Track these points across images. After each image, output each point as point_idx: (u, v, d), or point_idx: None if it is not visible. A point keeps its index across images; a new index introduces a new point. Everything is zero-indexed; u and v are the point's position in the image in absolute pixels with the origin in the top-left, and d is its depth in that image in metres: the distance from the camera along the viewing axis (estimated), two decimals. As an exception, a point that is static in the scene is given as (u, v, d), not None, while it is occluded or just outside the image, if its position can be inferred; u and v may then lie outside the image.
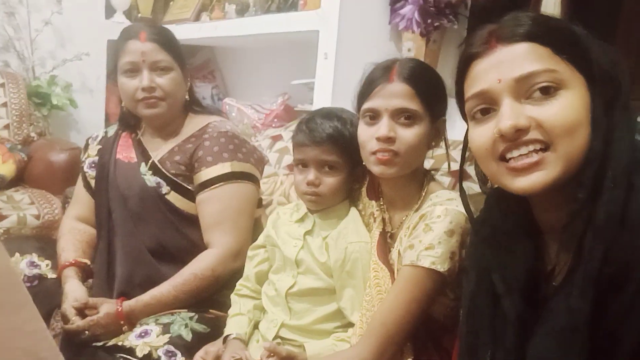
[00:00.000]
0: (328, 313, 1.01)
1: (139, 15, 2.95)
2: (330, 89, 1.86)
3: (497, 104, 0.64)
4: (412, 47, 1.88)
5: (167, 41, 1.26)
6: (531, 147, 0.62)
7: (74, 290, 1.18)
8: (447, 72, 2.03)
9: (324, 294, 1.01)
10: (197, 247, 1.24)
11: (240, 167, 1.25)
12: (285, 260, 1.05)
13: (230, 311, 1.11)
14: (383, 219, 1.00)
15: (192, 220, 1.25)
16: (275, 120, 2.39)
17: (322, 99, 1.90)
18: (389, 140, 0.90)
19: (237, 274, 1.18)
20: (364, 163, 0.97)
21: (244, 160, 1.26)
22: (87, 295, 1.17)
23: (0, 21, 2.49)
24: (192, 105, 1.35)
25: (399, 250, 0.93)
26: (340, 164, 1.02)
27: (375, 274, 0.94)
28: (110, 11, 2.83)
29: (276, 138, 1.83)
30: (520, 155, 0.63)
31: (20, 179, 2.23)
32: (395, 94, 0.90)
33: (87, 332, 1.09)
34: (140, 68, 1.22)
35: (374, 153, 0.92)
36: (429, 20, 1.75)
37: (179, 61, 1.27)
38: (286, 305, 1.03)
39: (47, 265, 1.28)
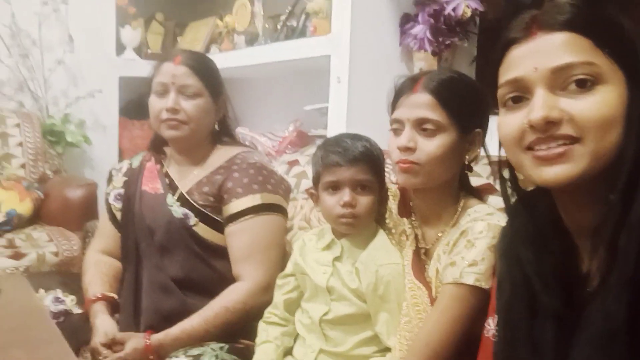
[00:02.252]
0: (365, 338, 0.98)
1: (149, 51, 3.00)
2: (344, 112, 1.86)
3: (531, 93, 0.62)
4: (424, 66, 1.89)
5: (201, 68, 1.27)
6: (561, 142, 0.60)
7: (104, 325, 1.16)
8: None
9: (359, 319, 0.98)
10: (225, 278, 1.22)
11: (270, 199, 1.24)
12: (317, 288, 1.02)
13: (258, 339, 1.08)
14: (416, 236, 0.98)
15: (220, 252, 1.23)
16: (289, 146, 2.39)
17: (336, 123, 1.90)
18: (409, 150, 0.89)
19: (268, 305, 1.16)
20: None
21: (273, 191, 1.25)
22: (117, 330, 1.15)
23: (15, 63, 2.53)
24: (222, 136, 1.35)
25: (436, 268, 0.91)
26: (374, 184, 1.00)
27: (413, 294, 0.92)
28: (121, 48, 2.88)
29: (293, 163, 1.82)
30: (550, 147, 0.60)
31: (37, 217, 2.23)
32: (418, 104, 0.89)
33: None
34: (169, 90, 1.23)
35: (397, 163, 0.91)
36: (441, 39, 1.76)
37: (211, 89, 1.27)
38: (321, 332, 1.00)
39: (72, 300, 1.26)
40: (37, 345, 0.86)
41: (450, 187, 0.94)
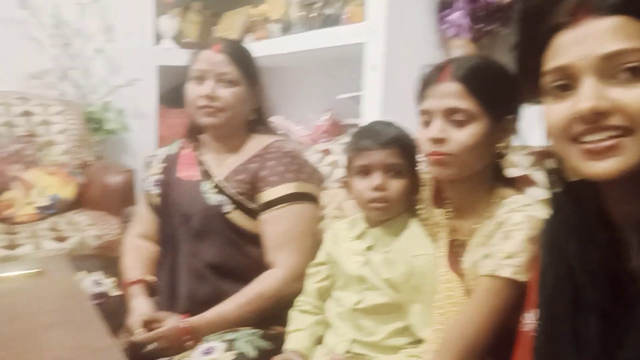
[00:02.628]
0: (398, 328, 0.97)
1: (186, 40, 3.03)
2: (380, 101, 1.84)
3: (578, 81, 0.59)
4: (462, 54, 1.84)
5: (239, 56, 1.28)
6: (611, 133, 0.57)
7: (141, 306, 1.19)
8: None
9: (392, 309, 0.98)
10: (258, 265, 1.23)
11: (304, 188, 1.25)
12: (349, 277, 1.02)
13: (290, 327, 1.09)
14: (451, 227, 0.96)
15: (254, 239, 1.25)
16: (323, 135, 2.39)
17: (371, 111, 1.89)
18: (440, 141, 0.87)
19: (300, 293, 1.16)
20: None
21: (307, 180, 1.26)
22: (153, 310, 1.18)
23: (57, 52, 2.61)
24: (258, 124, 1.36)
25: (472, 260, 0.89)
26: (405, 168, 1.00)
27: (447, 286, 0.90)
28: (158, 37, 2.93)
29: (326, 152, 1.81)
30: (599, 139, 0.58)
31: (79, 202, 2.31)
32: (446, 94, 0.87)
33: (151, 345, 1.09)
34: (207, 77, 1.24)
35: (428, 155, 0.89)
36: (480, 25, 1.71)
37: (248, 78, 1.28)
38: (354, 321, 1.00)
39: (111, 282, 1.30)
40: (78, 327, 0.89)
41: (483, 177, 0.92)
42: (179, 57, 2.90)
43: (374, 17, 1.82)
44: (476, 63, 0.89)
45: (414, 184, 1.02)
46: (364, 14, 1.85)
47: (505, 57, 1.92)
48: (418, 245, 0.98)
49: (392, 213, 1.01)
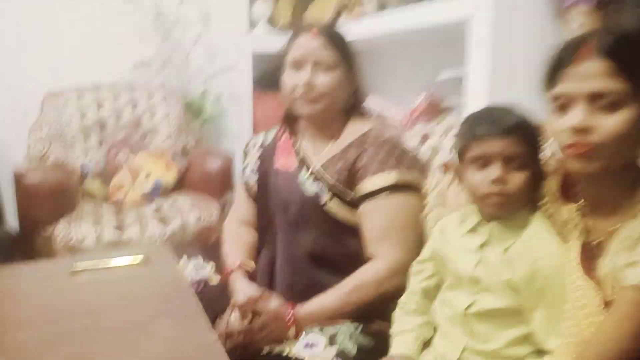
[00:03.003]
0: (518, 336, 0.87)
1: (280, 23, 3.02)
2: (488, 80, 1.69)
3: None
4: (584, 25, 1.64)
5: (337, 39, 1.22)
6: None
7: (245, 288, 1.18)
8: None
9: (510, 314, 0.87)
10: (357, 257, 1.18)
11: (406, 177, 1.17)
12: (460, 276, 0.93)
13: (395, 329, 1.02)
14: (585, 226, 0.84)
15: (353, 230, 1.19)
16: (421, 117, 2.27)
17: (478, 91, 1.74)
18: (585, 131, 0.74)
19: (402, 288, 1.09)
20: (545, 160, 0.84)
21: (409, 168, 1.18)
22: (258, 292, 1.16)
23: (159, 41, 2.70)
24: (355, 110, 1.29)
25: (612, 267, 0.76)
26: (528, 159, 0.88)
27: (580, 294, 0.78)
28: (252, 24, 2.94)
29: (426, 137, 1.71)
30: None
31: (180, 185, 2.40)
32: (590, 74, 0.73)
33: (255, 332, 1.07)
34: (305, 63, 1.19)
35: (568, 147, 0.77)
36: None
37: (346, 61, 1.22)
38: (466, 326, 0.91)
39: (211, 267, 1.31)
40: (182, 319, 0.89)
41: (629, 170, 0.78)
42: (272, 42, 2.93)
43: (481, -11, 1.67)
44: (625, 33, 0.74)
45: (537, 176, 0.90)
46: (469, -15, 1.70)
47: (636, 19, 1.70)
48: (543, 244, 0.86)
49: (512, 209, 0.90)
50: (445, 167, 0.98)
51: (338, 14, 2.59)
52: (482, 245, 0.91)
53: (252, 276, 1.27)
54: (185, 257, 1.29)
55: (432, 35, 2.12)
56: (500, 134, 0.87)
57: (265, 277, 1.25)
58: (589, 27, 1.64)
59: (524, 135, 0.88)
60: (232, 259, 1.28)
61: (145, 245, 1.28)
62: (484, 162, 0.89)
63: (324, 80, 1.18)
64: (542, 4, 1.73)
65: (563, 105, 0.77)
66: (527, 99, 1.80)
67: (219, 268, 1.30)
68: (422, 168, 1.23)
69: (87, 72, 2.57)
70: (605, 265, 0.77)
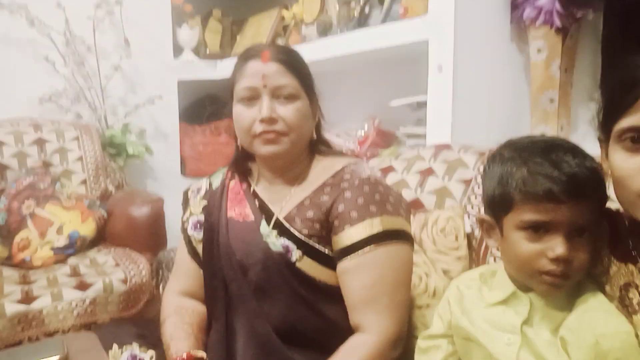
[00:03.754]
0: None
1: (207, 51, 2.79)
2: (449, 106, 1.56)
3: None
4: (544, 46, 1.56)
5: (294, 63, 1.01)
6: None
7: None
8: (585, 72, 1.70)
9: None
10: (338, 328, 0.96)
11: (392, 223, 0.95)
12: None
13: None
14: None
15: (331, 294, 0.97)
16: (371, 147, 2.11)
17: (438, 119, 1.60)
18: None
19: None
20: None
21: (394, 213, 0.97)
22: None
23: (71, 72, 2.37)
24: (319, 144, 1.08)
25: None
26: (596, 227, 0.68)
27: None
28: (178, 50, 2.68)
29: (387, 170, 1.52)
30: None
31: (101, 238, 2.05)
32: None
33: None
34: (260, 94, 0.97)
35: None
36: (571, 10, 1.43)
37: (306, 89, 1.01)
38: None
39: (151, 357, 1.02)
40: None
41: None
42: (200, 70, 2.70)
43: (438, 10, 1.54)
44: None
45: (597, 238, 0.71)
46: (426, 6, 1.56)
47: (594, 49, 1.65)
48: (606, 318, 0.67)
49: (568, 288, 0.70)
50: (480, 220, 0.75)
51: (274, 40, 2.40)
52: (524, 324, 0.71)
53: None
54: (115, 346, 1.00)
55: (384, 59, 1.98)
56: (571, 198, 0.65)
57: (221, 362, 0.98)
58: (549, 49, 1.56)
59: (597, 196, 0.68)
60: (175, 346, 0.99)
61: (64, 340, 0.97)
62: (539, 228, 0.68)
63: (286, 113, 0.97)
64: (499, 25, 1.64)
65: (636, 142, 0.61)
66: (492, 125, 1.68)
67: (162, 356, 1.01)
68: (407, 210, 1.03)
69: (-19, 108, 2.19)
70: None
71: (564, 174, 0.65)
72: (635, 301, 0.67)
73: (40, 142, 2.16)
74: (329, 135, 2.22)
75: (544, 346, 0.69)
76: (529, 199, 0.67)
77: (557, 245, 0.66)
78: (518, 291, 0.74)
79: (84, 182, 2.17)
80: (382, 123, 2.13)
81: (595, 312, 0.68)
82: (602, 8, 1.51)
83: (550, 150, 0.68)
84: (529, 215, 0.68)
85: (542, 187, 0.66)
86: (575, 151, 0.69)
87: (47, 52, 2.31)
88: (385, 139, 2.14)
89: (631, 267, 0.68)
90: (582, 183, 0.65)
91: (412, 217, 1.27)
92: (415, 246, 1.20)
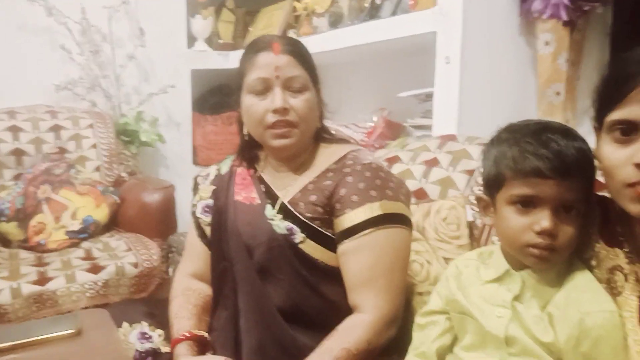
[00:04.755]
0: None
1: (220, 41, 2.82)
2: (456, 98, 1.57)
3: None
4: (552, 39, 1.57)
5: (304, 54, 1.04)
6: None
7: None
8: (592, 66, 1.71)
9: (554, 383, 0.71)
10: (338, 307, 0.99)
11: (391, 208, 0.98)
12: (486, 335, 0.76)
13: None
14: (636, 276, 0.69)
15: (332, 274, 1.00)
16: (380, 138, 2.13)
17: (445, 110, 1.62)
18: None
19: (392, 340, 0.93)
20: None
21: (394, 198, 1.00)
22: None
23: (86, 61, 2.42)
24: (323, 132, 1.11)
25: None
26: (583, 205, 0.72)
27: (643, 359, 0.64)
28: (192, 40, 2.72)
29: (392, 160, 1.55)
30: None
31: (113, 223, 2.10)
32: None
33: None
34: (272, 86, 1.00)
35: (631, 185, 0.62)
36: (581, 4, 1.43)
37: (314, 80, 1.05)
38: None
39: (159, 335, 1.06)
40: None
41: None
42: (213, 60, 2.73)
43: (447, 2, 1.55)
44: None
45: (585, 220, 0.75)
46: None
47: (600, 42, 1.65)
48: (592, 298, 0.70)
49: (555, 263, 0.74)
50: (477, 198, 0.79)
51: (285, 31, 2.43)
52: (515, 299, 0.75)
53: (206, 344, 1.03)
54: (126, 323, 1.04)
55: (394, 50, 1.99)
56: (560, 175, 0.68)
57: (227, 341, 1.01)
58: (557, 43, 1.57)
59: (584, 175, 0.71)
60: (178, 325, 1.03)
61: (78, 315, 1.02)
62: (530, 204, 0.72)
63: (298, 104, 1.00)
64: (508, 17, 1.64)
65: (626, 133, 0.63)
66: (498, 117, 1.69)
67: (170, 334, 1.05)
68: (407, 195, 1.06)
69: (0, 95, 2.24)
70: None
71: (551, 152, 0.69)
72: (619, 283, 0.69)
73: (56, 129, 2.22)
74: (338, 126, 2.24)
75: (532, 321, 0.72)
76: (518, 175, 0.71)
77: (543, 219, 0.70)
78: (511, 269, 0.77)
79: (98, 168, 2.22)
80: (391, 114, 2.14)
81: (583, 291, 0.71)
82: (612, 2, 1.51)
83: (541, 132, 0.72)
84: (517, 189, 0.72)
85: (531, 164, 0.70)
86: (566, 133, 0.72)
87: (63, 40, 2.36)
88: (393, 130, 2.15)
89: (618, 251, 0.71)
90: (568, 161, 0.69)
91: (416, 206, 1.31)
92: (418, 234, 1.23)
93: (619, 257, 0.71)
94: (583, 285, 0.72)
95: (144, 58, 2.53)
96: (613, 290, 0.70)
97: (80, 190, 2.05)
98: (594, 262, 0.74)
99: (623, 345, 0.67)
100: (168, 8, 2.60)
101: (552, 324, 0.71)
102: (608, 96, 0.66)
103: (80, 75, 2.43)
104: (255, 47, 1.04)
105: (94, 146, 2.26)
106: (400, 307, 0.97)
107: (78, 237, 1.94)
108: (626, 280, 0.69)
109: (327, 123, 2.24)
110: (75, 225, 1.95)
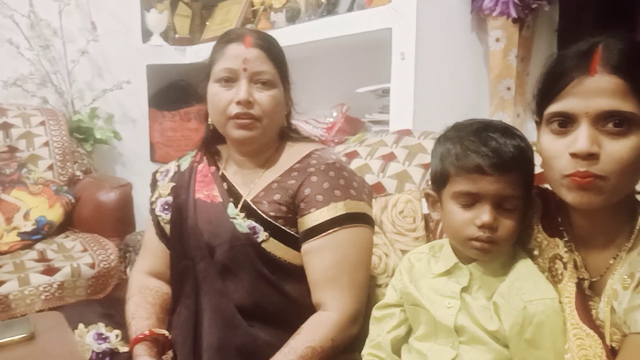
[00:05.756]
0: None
1: (177, 35, 2.78)
2: (411, 93, 1.61)
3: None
4: (502, 35, 1.62)
5: (275, 51, 1.04)
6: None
7: None
8: (541, 62, 1.77)
9: (501, 368, 0.74)
10: (300, 306, 1.00)
11: (355, 207, 1.00)
12: (437, 325, 0.79)
13: None
14: (575, 263, 0.73)
15: (295, 273, 1.01)
16: (339, 133, 2.15)
17: (401, 106, 1.65)
18: (591, 157, 0.64)
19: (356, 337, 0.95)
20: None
21: (357, 197, 1.01)
22: None
23: (36, 56, 2.33)
24: (289, 130, 1.12)
25: (611, 307, 0.66)
26: (521, 200, 0.75)
27: (580, 343, 0.67)
28: (147, 34, 2.66)
29: (351, 155, 1.57)
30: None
31: (68, 223, 2.05)
32: (600, 91, 0.64)
33: None
34: (239, 77, 1.00)
35: (568, 175, 0.65)
36: (528, 1, 1.48)
37: (282, 77, 1.05)
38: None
39: (117, 336, 1.04)
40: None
41: (627, 199, 0.70)
42: (169, 55, 2.68)
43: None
44: (630, 47, 0.65)
45: (527, 213, 0.78)
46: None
47: (548, 40, 1.72)
48: (533, 286, 0.74)
49: (497, 254, 0.77)
50: (425, 193, 0.82)
51: (243, 26, 2.41)
52: (463, 290, 0.78)
53: (166, 343, 1.02)
54: (81, 325, 1.02)
55: (350, 46, 2.01)
56: (499, 171, 0.71)
57: (186, 340, 1.01)
58: (507, 39, 1.62)
59: (525, 173, 0.74)
60: (136, 325, 1.02)
61: (32, 318, 0.99)
62: (470, 200, 0.75)
63: (263, 99, 1.00)
64: (460, 15, 1.69)
65: (563, 125, 0.67)
66: (453, 112, 1.74)
67: (128, 335, 1.04)
68: (369, 194, 1.08)
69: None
70: (604, 306, 0.67)
71: (491, 150, 0.72)
72: (560, 271, 0.73)
73: (5, 127, 2.14)
74: (298, 121, 2.25)
75: (479, 310, 0.76)
76: (461, 172, 0.74)
77: (483, 214, 0.73)
78: (460, 263, 0.80)
79: (51, 167, 2.15)
80: (349, 110, 2.17)
81: (525, 280, 0.74)
82: (558, 0, 1.58)
83: (482, 130, 0.75)
84: (460, 186, 0.75)
85: (472, 162, 0.73)
86: (505, 131, 0.76)
87: (10, 34, 2.27)
88: (352, 125, 2.18)
89: (558, 241, 0.75)
90: (506, 158, 0.72)
91: (374, 200, 1.33)
92: (376, 228, 1.26)
93: (558, 246, 0.75)
94: (525, 275, 0.75)
95: (96, 53, 2.46)
96: (554, 278, 0.74)
97: (33, 190, 1.99)
98: (536, 252, 0.78)
99: (562, 330, 0.71)
100: (122, 1, 2.54)
101: (497, 312, 0.74)
102: (547, 90, 0.69)
103: (30, 70, 2.34)
104: (227, 38, 1.04)
105: (46, 144, 2.19)
106: (364, 304, 0.99)
107: (31, 238, 1.88)
108: (565, 268, 0.73)
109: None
110: (28, 227, 1.89)
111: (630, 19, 1.55)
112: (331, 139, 2.14)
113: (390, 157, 1.42)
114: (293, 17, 2.11)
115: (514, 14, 1.49)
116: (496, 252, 0.76)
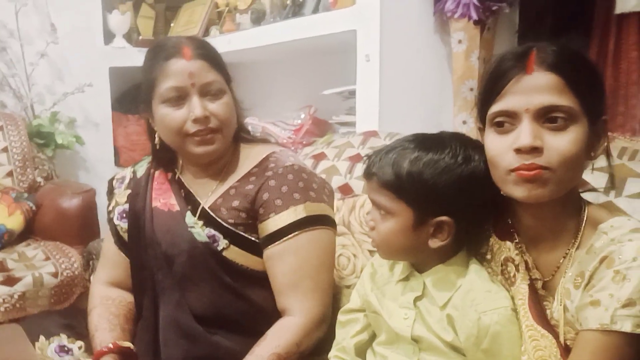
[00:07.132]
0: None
1: (140, 37, 2.72)
2: (376, 95, 1.62)
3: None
4: (464, 37, 1.65)
5: (216, 57, 1.01)
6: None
7: None
8: (503, 63, 1.81)
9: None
10: (264, 312, 0.99)
11: (315, 209, 0.99)
12: (398, 334, 0.79)
13: None
14: (526, 264, 0.75)
15: (257, 279, 1.00)
16: (306, 135, 2.15)
17: (367, 107, 1.66)
18: (535, 151, 0.66)
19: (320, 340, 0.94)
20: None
21: (317, 199, 1.00)
22: None
23: (-9, 59, 2.26)
24: (241, 132, 1.09)
25: (564, 306, 0.68)
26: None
27: (536, 344, 0.69)
28: (109, 36, 2.61)
29: (319, 157, 1.57)
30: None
31: (29, 231, 1.99)
32: (538, 88, 0.66)
33: None
34: (188, 93, 0.96)
35: (513, 171, 0.67)
36: (489, 4, 1.51)
37: (227, 80, 1.03)
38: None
39: (80, 347, 1.02)
40: None
41: (570, 195, 0.71)
42: (133, 57, 2.63)
43: (366, 1, 1.59)
44: (563, 48, 0.68)
45: (466, 220, 0.78)
46: (353, -2, 1.61)
47: (508, 41, 1.75)
48: (487, 296, 0.74)
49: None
50: (341, 191, 0.86)
51: (208, 28, 2.39)
52: (417, 300, 0.78)
53: (132, 355, 1.00)
54: (42, 337, 0.99)
55: (316, 48, 2.02)
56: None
57: (147, 353, 0.99)
58: (469, 41, 1.65)
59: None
60: (100, 337, 0.99)
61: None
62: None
63: (217, 109, 0.97)
64: (423, 17, 1.71)
65: (506, 122, 0.69)
66: (418, 113, 1.75)
67: (91, 346, 1.01)
68: (330, 195, 1.07)
69: None
70: (557, 306, 0.69)
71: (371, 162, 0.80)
72: (512, 274, 0.75)
73: (-41, 134, 2.06)
74: (266, 123, 2.24)
75: (434, 320, 0.76)
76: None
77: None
78: (414, 271, 0.81)
79: (10, 173, 2.09)
80: (317, 111, 2.17)
81: (478, 291, 0.75)
82: (518, 3, 1.61)
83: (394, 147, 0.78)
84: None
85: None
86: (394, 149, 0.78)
87: (-36, 37, 2.19)
88: (320, 127, 2.18)
89: (509, 244, 0.76)
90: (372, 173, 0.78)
91: (342, 201, 1.34)
92: (344, 229, 1.26)
93: (510, 249, 0.76)
94: (478, 285, 0.75)
95: (56, 55, 2.40)
96: (507, 281, 0.76)
97: (-10, 198, 1.92)
98: (488, 256, 0.79)
99: (518, 336, 0.72)
100: (82, 2, 2.47)
101: (452, 324, 0.75)
102: (487, 92, 0.71)
103: (-15, 74, 2.27)
104: (164, 53, 0.98)
105: (5, 150, 2.12)
106: (329, 307, 0.99)
107: (-11, 248, 1.82)
108: (517, 270, 0.74)
109: (254, 121, 2.24)
110: (-14, 236, 1.83)
111: (587, 23, 1.60)
112: (299, 141, 2.14)
113: (357, 159, 1.43)
114: (258, 18, 2.10)
115: (474, 16, 1.51)
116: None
